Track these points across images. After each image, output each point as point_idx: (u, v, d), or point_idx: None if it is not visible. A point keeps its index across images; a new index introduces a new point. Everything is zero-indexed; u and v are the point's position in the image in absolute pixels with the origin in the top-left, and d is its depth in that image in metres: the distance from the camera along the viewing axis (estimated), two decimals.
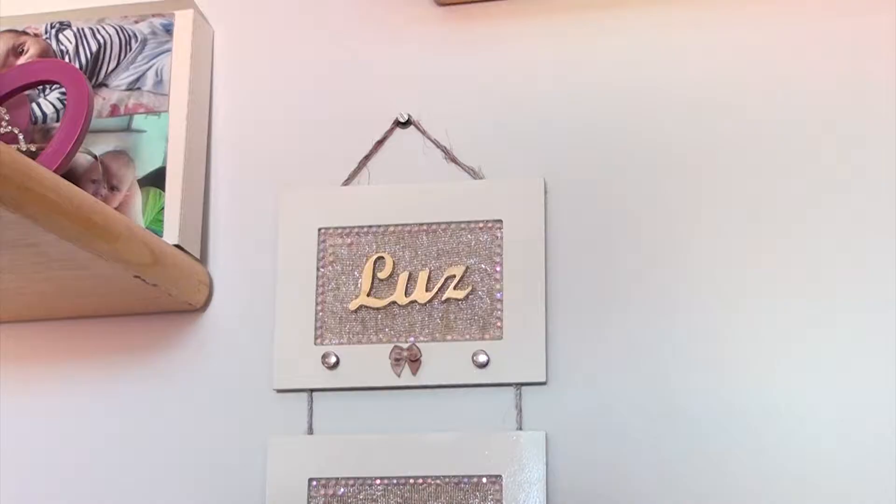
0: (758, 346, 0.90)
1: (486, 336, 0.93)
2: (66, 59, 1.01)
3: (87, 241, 0.80)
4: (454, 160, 0.98)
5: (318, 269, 0.97)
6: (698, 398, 0.90)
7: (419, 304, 0.95)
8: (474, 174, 0.97)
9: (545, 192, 0.95)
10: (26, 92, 0.98)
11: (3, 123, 0.93)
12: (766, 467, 0.88)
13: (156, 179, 0.97)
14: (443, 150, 0.98)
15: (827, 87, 0.94)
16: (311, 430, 0.94)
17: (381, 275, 0.96)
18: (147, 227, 0.94)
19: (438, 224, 0.96)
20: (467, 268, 0.95)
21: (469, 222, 0.96)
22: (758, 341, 0.90)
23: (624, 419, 0.91)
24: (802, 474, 0.87)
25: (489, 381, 0.92)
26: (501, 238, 0.95)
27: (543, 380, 0.91)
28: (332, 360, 0.94)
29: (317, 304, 0.96)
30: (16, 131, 0.93)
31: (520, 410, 0.92)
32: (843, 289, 0.90)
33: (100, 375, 0.99)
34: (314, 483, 0.92)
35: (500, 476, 0.90)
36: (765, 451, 0.88)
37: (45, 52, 1.02)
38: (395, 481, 0.92)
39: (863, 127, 0.93)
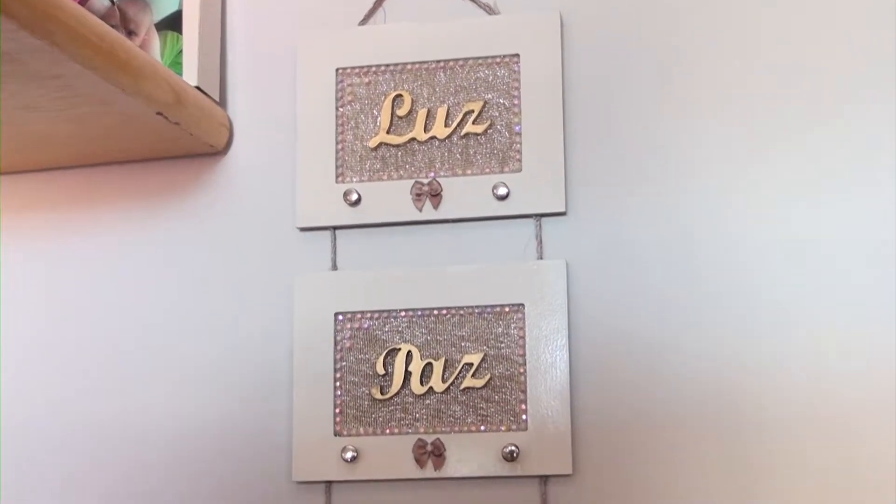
0: (776, 183, 0.91)
1: (506, 169, 0.94)
2: None
3: (111, 73, 0.81)
4: None
5: (336, 109, 0.97)
6: (712, 229, 0.91)
7: (438, 139, 0.96)
8: (490, 10, 0.97)
9: (561, 26, 0.95)
10: None
11: None
12: (775, 304, 0.89)
13: (172, 23, 0.98)
14: None
15: None
16: (335, 267, 0.96)
17: (400, 112, 0.96)
18: None
19: (455, 60, 0.96)
20: (485, 102, 0.95)
21: (486, 58, 0.96)
22: (777, 179, 0.91)
23: (641, 248, 0.92)
24: (812, 311, 0.89)
25: (509, 213, 0.94)
26: (519, 72, 0.95)
27: (563, 210, 0.93)
28: (354, 197, 0.95)
29: (337, 142, 0.97)
30: None
31: (540, 241, 0.94)
32: (872, 138, 0.90)
33: (125, 220, 1.01)
34: (340, 317, 0.95)
35: (523, 304, 0.92)
36: (775, 287, 0.90)
37: None
38: (419, 313, 0.94)
39: None
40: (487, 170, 0.94)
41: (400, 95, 0.97)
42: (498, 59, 0.96)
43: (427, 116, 0.96)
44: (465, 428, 0.91)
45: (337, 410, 0.93)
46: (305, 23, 1.00)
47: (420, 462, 0.91)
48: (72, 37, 0.76)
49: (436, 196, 0.94)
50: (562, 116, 0.94)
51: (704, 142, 0.93)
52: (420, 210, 0.94)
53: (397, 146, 0.96)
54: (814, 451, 0.87)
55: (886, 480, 0.85)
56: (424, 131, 0.96)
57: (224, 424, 0.96)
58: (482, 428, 0.91)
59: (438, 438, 0.91)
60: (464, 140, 0.95)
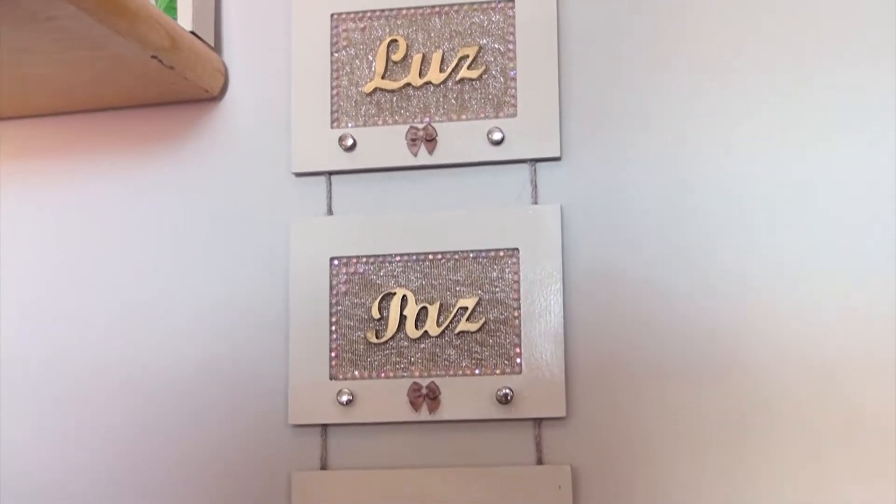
0: (774, 129, 0.91)
1: (501, 114, 0.94)
2: None
3: (106, 15, 0.80)
4: None
5: (331, 54, 0.97)
6: (707, 173, 0.92)
7: (434, 84, 0.96)
8: None
9: None
10: None
11: None
12: (770, 249, 0.90)
13: None
14: None
15: None
16: (330, 212, 0.96)
17: (395, 57, 0.96)
18: None
19: (450, 5, 0.96)
20: (480, 47, 0.95)
21: (481, 2, 0.96)
22: (775, 124, 0.91)
23: (636, 193, 0.93)
24: (807, 256, 0.90)
25: (504, 158, 0.94)
26: (514, 17, 0.95)
27: (557, 155, 0.93)
28: (349, 142, 0.95)
29: (332, 88, 0.97)
30: None
31: (535, 186, 0.94)
32: (873, 86, 0.91)
33: (120, 166, 1.01)
34: (335, 262, 0.95)
35: (517, 249, 0.92)
36: (771, 231, 0.90)
37: None
38: (414, 257, 0.94)
39: None
40: (482, 115, 0.94)
41: (395, 40, 0.97)
42: (493, 4, 0.96)
43: (422, 61, 0.96)
44: (460, 371, 0.92)
45: (333, 354, 0.94)
46: None
47: (415, 405, 0.92)
48: None
49: (431, 141, 0.94)
50: (557, 61, 0.94)
51: (701, 86, 0.93)
52: (415, 155, 0.95)
53: (392, 91, 0.96)
54: (807, 394, 0.88)
55: (879, 419, 0.86)
56: (419, 76, 0.96)
57: (220, 368, 0.97)
58: (477, 371, 0.92)
59: (433, 382, 0.92)
60: (459, 85, 0.95)
